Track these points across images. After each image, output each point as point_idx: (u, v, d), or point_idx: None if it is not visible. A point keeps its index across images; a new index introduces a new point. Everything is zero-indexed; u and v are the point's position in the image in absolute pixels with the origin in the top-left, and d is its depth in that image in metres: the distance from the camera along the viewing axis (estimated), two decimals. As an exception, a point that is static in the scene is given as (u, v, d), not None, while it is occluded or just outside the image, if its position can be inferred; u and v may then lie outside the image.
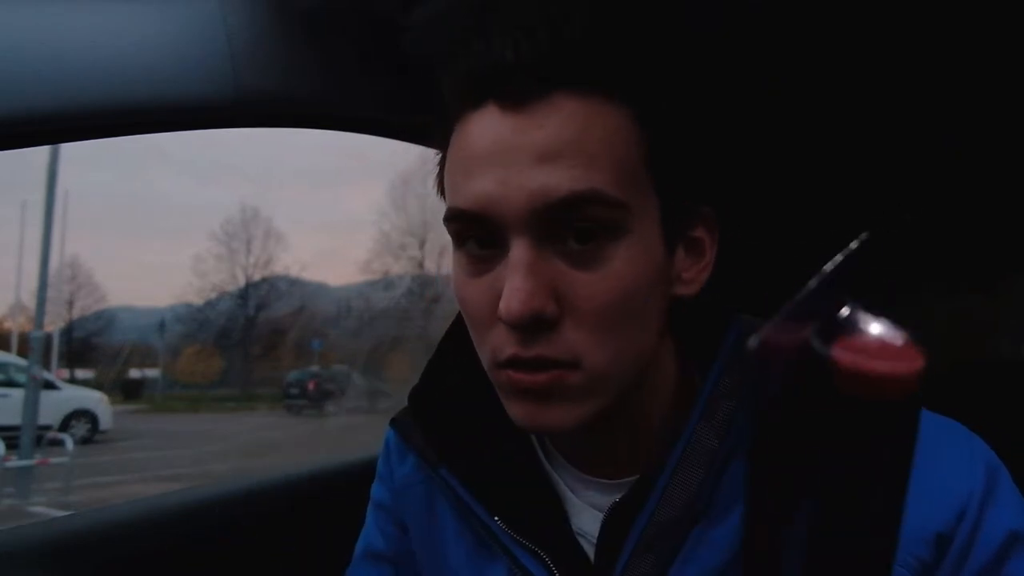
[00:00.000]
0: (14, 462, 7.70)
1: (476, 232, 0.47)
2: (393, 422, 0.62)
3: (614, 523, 0.51)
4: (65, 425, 11.66)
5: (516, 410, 0.47)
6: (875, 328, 0.19)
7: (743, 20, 0.67)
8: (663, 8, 0.56)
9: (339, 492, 1.04)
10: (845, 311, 0.20)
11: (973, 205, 1.14)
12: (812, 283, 0.21)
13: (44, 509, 6.70)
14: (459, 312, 0.58)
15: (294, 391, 17.61)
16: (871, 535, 0.21)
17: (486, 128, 0.45)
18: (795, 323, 0.20)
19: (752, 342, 0.21)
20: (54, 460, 7.70)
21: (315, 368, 19.29)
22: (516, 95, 0.44)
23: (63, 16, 0.58)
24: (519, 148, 0.44)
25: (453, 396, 0.58)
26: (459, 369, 0.58)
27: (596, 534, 0.53)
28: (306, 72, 0.71)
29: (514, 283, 0.43)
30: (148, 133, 0.65)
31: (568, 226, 0.44)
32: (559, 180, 0.43)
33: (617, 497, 0.52)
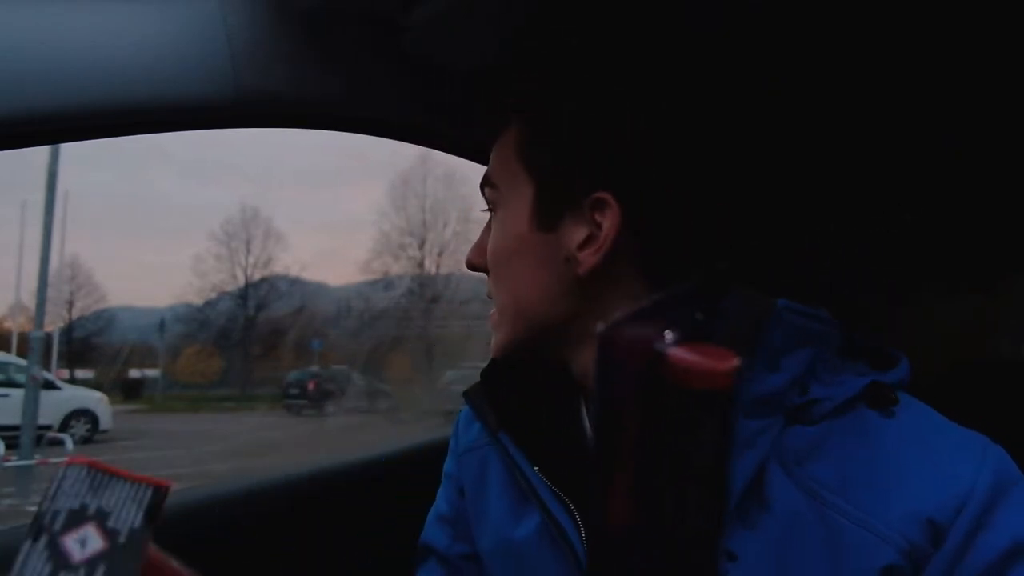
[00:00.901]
0: (14, 462, 7.70)
1: None
2: (465, 394, 0.71)
3: None
4: (65, 425, 11.66)
5: None
6: (697, 343, 0.25)
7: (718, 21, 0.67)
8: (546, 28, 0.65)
9: (339, 492, 1.04)
10: (676, 329, 0.26)
11: (973, 205, 1.14)
12: (651, 303, 0.27)
13: (44, 509, 6.70)
14: None
15: (294, 391, 17.60)
16: (698, 516, 0.26)
17: None
18: (638, 329, 0.26)
19: (600, 333, 0.27)
20: (54, 460, 7.70)
21: (315, 368, 19.28)
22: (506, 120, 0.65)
23: (63, 16, 0.58)
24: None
25: (517, 370, 0.68)
26: None
27: None
28: (306, 72, 0.71)
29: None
30: (148, 133, 0.65)
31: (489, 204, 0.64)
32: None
33: None
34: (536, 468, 0.61)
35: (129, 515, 0.33)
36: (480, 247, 0.66)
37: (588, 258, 0.57)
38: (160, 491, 0.35)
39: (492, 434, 0.65)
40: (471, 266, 0.67)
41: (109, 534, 0.32)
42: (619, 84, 0.58)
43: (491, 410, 0.66)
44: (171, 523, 0.85)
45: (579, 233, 0.57)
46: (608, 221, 0.56)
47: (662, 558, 0.26)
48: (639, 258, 0.57)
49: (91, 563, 0.30)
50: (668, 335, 0.25)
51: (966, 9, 0.67)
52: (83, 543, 0.31)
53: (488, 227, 0.66)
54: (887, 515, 0.47)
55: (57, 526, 0.31)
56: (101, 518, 0.32)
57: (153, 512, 0.34)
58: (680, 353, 0.24)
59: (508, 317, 0.62)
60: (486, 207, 0.65)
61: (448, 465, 0.77)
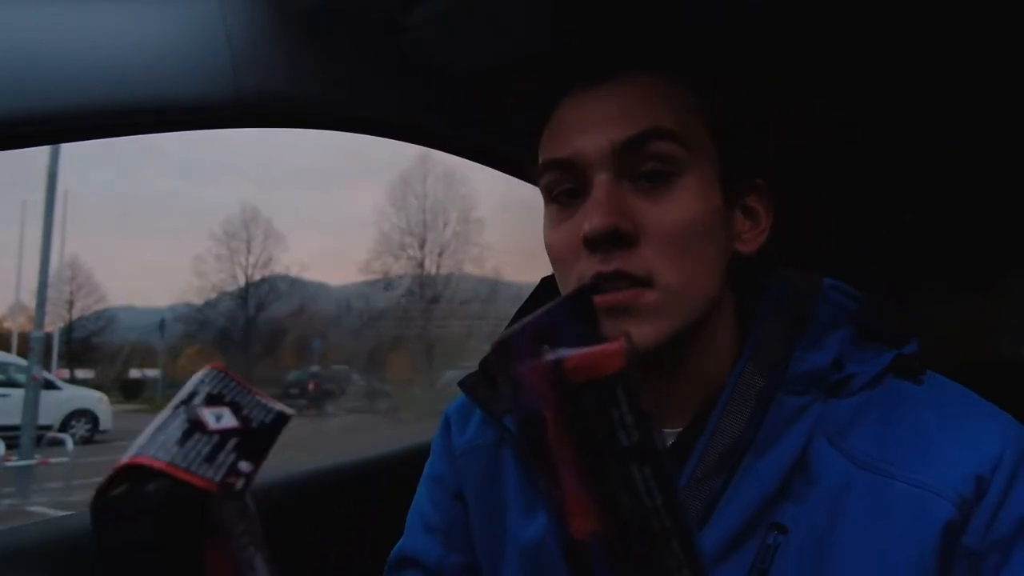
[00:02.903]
0: (14, 462, 7.71)
1: (564, 181, 0.56)
2: (461, 383, 0.66)
3: None
4: (65, 425, 11.66)
5: None
6: (580, 341, 0.26)
7: (745, 18, 0.68)
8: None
9: (339, 492, 1.04)
10: (559, 336, 0.27)
11: (973, 205, 1.14)
12: (530, 320, 0.27)
13: (44, 509, 6.70)
14: (536, 286, 0.68)
15: (294, 391, 17.60)
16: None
17: (574, 103, 0.57)
18: (520, 343, 0.27)
19: (490, 353, 0.27)
20: (54, 460, 7.71)
21: (315, 368, 19.29)
22: (591, 77, 0.57)
23: (63, 16, 0.58)
24: (599, 110, 0.55)
25: None
26: None
27: None
28: (306, 72, 0.71)
29: (595, 202, 0.53)
30: (148, 133, 0.65)
31: (640, 164, 0.53)
32: (633, 124, 0.53)
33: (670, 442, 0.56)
34: None
35: (259, 415, 0.34)
36: (621, 211, 0.52)
37: (755, 237, 0.59)
38: (284, 416, 0.35)
39: (496, 419, 0.61)
40: (613, 233, 0.51)
41: (243, 419, 0.33)
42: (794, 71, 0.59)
43: (494, 394, 0.62)
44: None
45: (739, 214, 0.58)
46: (764, 207, 0.59)
47: (637, 557, 0.26)
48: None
49: (224, 435, 0.31)
50: (546, 346, 0.26)
51: (966, 9, 0.67)
52: (218, 418, 0.32)
53: (611, 192, 0.53)
54: (939, 472, 0.48)
55: (196, 400, 0.32)
56: (235, 407, 0.33)
57: (277, 429, 0.34)
58: (569, 352, 0.26)
59: (677, 303, 0.52)
60: (652, 174, 0.53)
61: (436, 468, 0.70)
